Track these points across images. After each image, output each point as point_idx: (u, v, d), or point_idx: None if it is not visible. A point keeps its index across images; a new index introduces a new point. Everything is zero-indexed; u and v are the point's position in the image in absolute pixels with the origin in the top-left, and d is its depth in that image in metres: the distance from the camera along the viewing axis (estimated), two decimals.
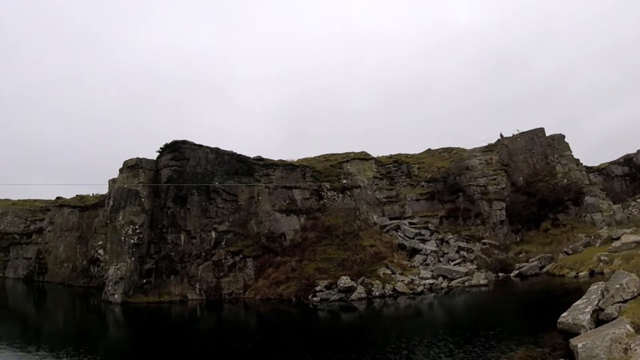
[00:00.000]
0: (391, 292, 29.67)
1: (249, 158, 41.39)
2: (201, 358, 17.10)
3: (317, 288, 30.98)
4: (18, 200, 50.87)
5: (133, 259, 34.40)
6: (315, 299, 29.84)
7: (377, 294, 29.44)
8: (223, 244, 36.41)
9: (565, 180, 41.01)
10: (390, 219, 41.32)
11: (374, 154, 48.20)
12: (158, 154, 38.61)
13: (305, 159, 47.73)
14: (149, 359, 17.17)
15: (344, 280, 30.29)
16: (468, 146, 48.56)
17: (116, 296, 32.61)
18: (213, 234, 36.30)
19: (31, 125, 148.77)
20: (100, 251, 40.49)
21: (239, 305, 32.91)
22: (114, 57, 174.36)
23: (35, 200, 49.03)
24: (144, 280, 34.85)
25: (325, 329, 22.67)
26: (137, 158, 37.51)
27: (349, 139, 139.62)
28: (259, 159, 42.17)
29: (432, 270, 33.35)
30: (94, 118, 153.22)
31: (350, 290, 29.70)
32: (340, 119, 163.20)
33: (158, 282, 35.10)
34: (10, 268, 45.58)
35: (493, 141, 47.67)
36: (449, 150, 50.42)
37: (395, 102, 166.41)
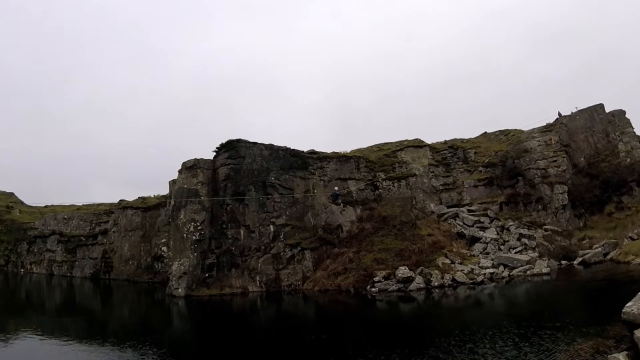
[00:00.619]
0: (450, 282, 29.88)
1: (303, 152, 42.68)
2: (262, 349, 17.13)
3: (375, 279, 31.63)
4: (82, 205, 54.99)
5: (195, 254, 36.47)
6: (373, 289, 30.47)
7: (436, 284, 29.74)
8: (281, 237, 38.19)
9: (629, 160, 39.69)
10: (448, 206, 41.63)
11: (428, 141, 48.44)
12: (215, 153, 40.68)
13: (358, 150, 48.47)
14: (212, 349, 17.41)
15: (402, 271, 30.70)
16: (525, 127, 47.71)
17: (180, 290, 34.63)
18: (271, 227, 38.15)
19: (96, 134, 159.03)
20: (164, 248, 43.41)
21: (298, 297, 34.01)
22: (169, 66, 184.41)
23: (99, 205, 52.63)
24: (206, 274, 36.82)
25: (384, 321, 22.87)
26: (195, 159, 39.56)
27: (402, 128, 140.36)
28: (312, 152, 43.40)
29: (492, 259, 33.43)
30: (153, 124, 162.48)
31: (408, 280, 30.08)
32: (391, 107, 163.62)
33: (220, 276, 37.08)
34: (77, 268, 49.27)
35: (551, 120, 46.58)
36: (505, 132, 49.70)
37: (447, 86, 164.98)
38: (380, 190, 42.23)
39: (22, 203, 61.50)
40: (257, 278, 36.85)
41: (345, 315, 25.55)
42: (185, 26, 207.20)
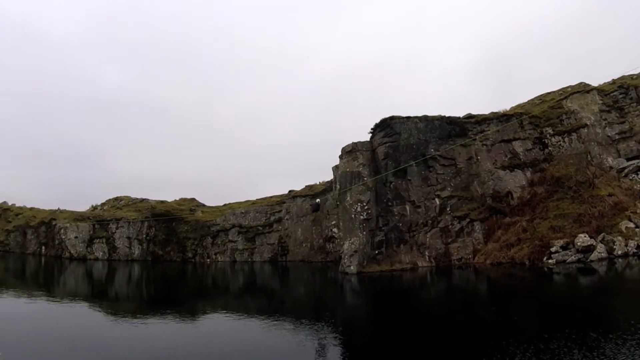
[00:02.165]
0: (635, 250, 28.00)
1: (459, 118, 43.27)
2: (431, 326, 16.54)
3: (552, 249, 30.73)
4: (256, 199, 64.76)
5: (364, 232, 40.32)
6: (550, 261, 29.59)
7: (619, 252, 27.96)
8: (448, 209, 40.05)
9: None
10: (628, 159, 38.23)
11: (594, 83, 44.66)
12: (370, 134, 44.66)
13: (519, 106, 47.27)
14: (382, 325, 17.43)
15: (582, 239, 29.41)
16: None
17: (352, 267, 38.22)
18: (437, 201, 40.36)
19: (265, 136, 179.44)
20: (334, 229, 49.80)
21: (468, 271, 34.25)
22: (314, 68, 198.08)
23: (271, 197, 60.77)
24: (376, 251, 40.43)
25: (563, 298, 21.13)
26: (353, 143, 44.05)
27: (561, 72, 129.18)
28: (469, 116, 43.62)
29: None
30: (311, 118, 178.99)
31: (589, 249, 28.75)
32: (546, 50, 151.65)
33: (389, 252, 40.19)
34: (257, 254, 58.17)
35: None
36: None
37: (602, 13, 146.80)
38: (549, 148, 40.23)
39: (203, 205, 72.79)
40: (426, 253, 39.15)
41: (518, 291, 24.77)
42: (320, 23, 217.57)
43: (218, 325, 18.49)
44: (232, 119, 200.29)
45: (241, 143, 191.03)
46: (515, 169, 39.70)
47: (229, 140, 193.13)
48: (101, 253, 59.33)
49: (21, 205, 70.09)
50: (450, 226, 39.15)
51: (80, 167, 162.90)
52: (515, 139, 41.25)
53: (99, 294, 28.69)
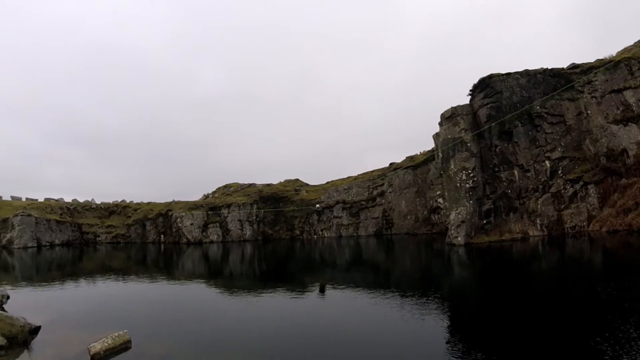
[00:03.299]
0: None
1: (562, 69, 41.66)
2: (543, 303, 15.39)
3: None
4: (358, 175, 67.14)
5: (471, 202, 40.21)
6: None
7: None
8: (559, 172, 39.08)
9: None
10: None
11: None
12: (470, 96, 44.15)
13: (626, 50, 44.47)
14: (491, 299, 16.79)
15: None
16: None
17: (459, 238, 38.56)
18: (547, 163, 39.48)
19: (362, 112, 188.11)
20: (440, 200, 51.25)
21: (582, 240, 33.06)
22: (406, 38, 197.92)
23: (372, 172, 62.84)
24: (484, 221, 40.36)
25: None
26: (452, 107, 43.88)
27: None
28: (574, 66, 41.91)
29: None
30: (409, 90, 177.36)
31: None
32: None
33: (498, 221, 40.08)
34: (361, 228, 61.65)
35: None
36: None
37: None
38: None
39: (307, 184, 77.14)
40: (538, 221, 38.56)
41: (637, 264, 22.99)
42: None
43: (326, 299, 19.10)
44: (328, 99, 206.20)
45: (340, 121, 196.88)
46: (629, 123, 37.52)
47: (327, 119, 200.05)
48: (215, 236, 65.94)
49: (138, 201, 78.77)
50: (562, 191, 38.19)
51: (190, 162, 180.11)
52: (626, 88, 39.03)
53: (215, 273, 30.80)
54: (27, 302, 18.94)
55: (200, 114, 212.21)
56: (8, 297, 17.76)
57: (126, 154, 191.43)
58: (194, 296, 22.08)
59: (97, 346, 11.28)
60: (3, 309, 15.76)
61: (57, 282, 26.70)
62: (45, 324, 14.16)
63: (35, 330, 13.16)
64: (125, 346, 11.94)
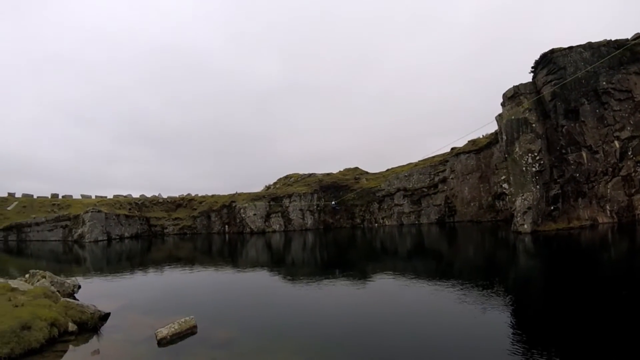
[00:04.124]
0: None
1: (627, 41, 39.19)
2: (612, 297, 14.46)
3: None
4: (418, 161, 66.34)
5: (538, 186, 38.79)
6: None
7: None
8: (629, 153, 37.33)
9: None
10: None
11: None
12: (532, 74, 42.84)
13: None
14: (559, 292, 15.92)
15: None
16: None
17: (525, 226, 37.29)
18: (616, 143, 37.77)
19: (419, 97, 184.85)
20: (505, 185, 50.07)
21: None
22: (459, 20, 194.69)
23: (433, 157, 61.74)
24: (551, 207, 39.00)
25: None
26: (514, 86, 42.84)
27: None
28: (638, 36, 39.40)
29: None
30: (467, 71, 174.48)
31: None
32: None
33: (565, 207, 38.74)
34: (423, 216, 61.43)
35: None
36: None
37: None
38: None
39: (366, 172, 77.33)
40: (607, 207, 36.98)
41: None
42: None
43: (386, 287, 19.23)
44: (385, 83, 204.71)
45: (397, 106, 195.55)
46: None
47: (384, 104, 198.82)
48: (278, 226, 67.59)
49: (203, 194, 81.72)
50: (633, 174, 36.51)
51: (251, 154, 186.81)
52: None
53: (278, 262, 31.60)
54: (97, 291, 20.37)
55: (258, 107, 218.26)
56: (79, 287, 19.43)
57: (190, 149, 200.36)
58: (258, 284, 22.85)
59: (164, 331, 12.07)
60: (74, 298, 17.16)
61: (127, 272, 28.40)
62: (115, 310, 15.32)
63: (104, 317, 14.22)
64: (191, 331, 12.64)
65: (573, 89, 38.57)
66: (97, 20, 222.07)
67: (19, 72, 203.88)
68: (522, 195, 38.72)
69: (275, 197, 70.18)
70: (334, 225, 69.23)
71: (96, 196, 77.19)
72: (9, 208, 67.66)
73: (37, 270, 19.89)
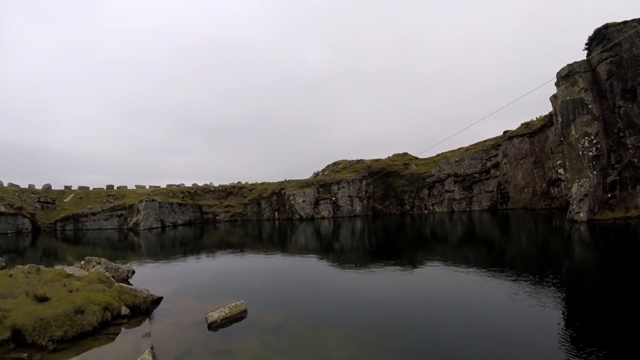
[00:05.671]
0: None
1: None
2: None
3: None
4: (469, 145, 65.10)
5: (595, 172, 37.27)
6: None
7: None
8: None
9: None
10: None
11: None
12: (586, 51, 40.79)
13: None
14: (617, 287, 15.09)
15: None
16: None
17: (581, 214, 36.08)
18: None
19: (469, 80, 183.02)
20: (560, 170, 48.41)
21: None
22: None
23: (485, 141, 60.75)
24: (609, 195, 37.28)
25: None
26: (568, 65, 40.81)
27: None
28: None
29: None
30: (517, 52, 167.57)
31: None
32: None
33: (623, 195, 36.97)
34: (475, 202, 60.35)
35: None
36: None
37: None
38: None
39: (416, 158, 76.91)
40: None
41: None
42: None
43: (436, 276, 18.93)
44: (433, 70, 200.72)
45: (448, 89, 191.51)
46: None
47: (434, 87, 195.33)
48: (326, 212, 68.67)
49: (253, 182, 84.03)
50: None
51: (300, 142, 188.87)
52: None
53: (327, 248, 31.86)
54: (151, 276, 21.33)
55: (308, 96, 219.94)
56: (134, 272, 20.64)
57: (240, 139, 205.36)
58: (307, 270, 23.11)
59: (215, 315, 12.58)
60: (128, 283, 18.29)
61: (180, 258, 29.44)
62: (167, 295, 16.11)
63: (157, 301, 15.02)
64: (241, 315, 13.02)
65: (630, 67, 36.54)
66: (152, 18, 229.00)
67: (74, 74, 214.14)
68: (579, 182, 37.40)
69: (324, 183, 71.28)
70: (382, 211, 69.53)
71: (150, 186, 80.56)
72: (66, 200, 72.04)
73: (93, 257, 21.21)
